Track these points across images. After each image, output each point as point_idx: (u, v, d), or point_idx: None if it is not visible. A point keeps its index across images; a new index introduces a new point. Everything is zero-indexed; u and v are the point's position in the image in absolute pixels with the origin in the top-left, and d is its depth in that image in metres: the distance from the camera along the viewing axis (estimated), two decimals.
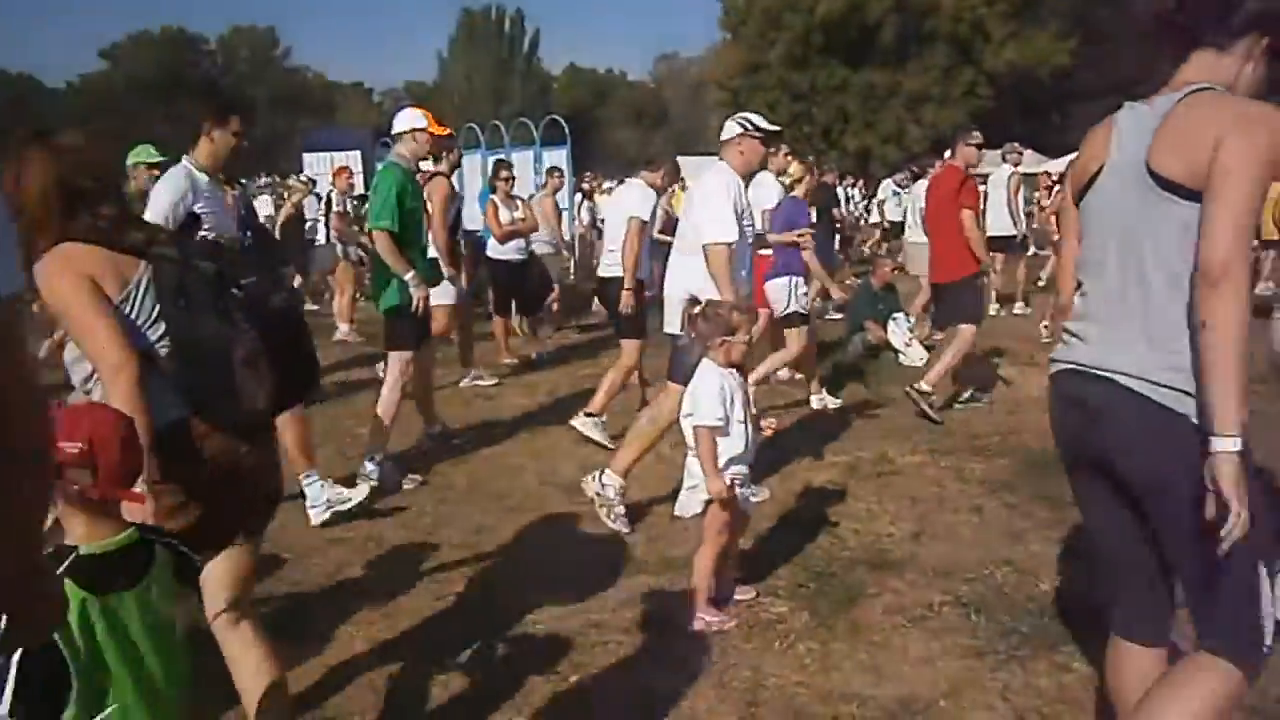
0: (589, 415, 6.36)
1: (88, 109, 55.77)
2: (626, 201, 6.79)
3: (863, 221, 17.81)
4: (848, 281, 14.07)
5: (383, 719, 3.12)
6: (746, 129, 4.99)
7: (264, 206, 13.71)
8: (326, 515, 4.88)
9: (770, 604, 3.91)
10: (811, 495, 5.27)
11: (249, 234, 8.78)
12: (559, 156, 12.99)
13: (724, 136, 5.08)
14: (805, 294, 6.91)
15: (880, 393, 7.75)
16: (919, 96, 39.31)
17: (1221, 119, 2.03)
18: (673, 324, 4.89)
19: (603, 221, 10.35)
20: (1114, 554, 2.44)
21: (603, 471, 4.82)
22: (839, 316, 11.07)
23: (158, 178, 5.74)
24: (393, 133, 5.86)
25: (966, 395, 7.19)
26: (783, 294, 6.82)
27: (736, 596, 3.91)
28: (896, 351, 9.20)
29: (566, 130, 13.28)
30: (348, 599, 4.04)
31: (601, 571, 4.26)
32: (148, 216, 4.47)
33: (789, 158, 7.38)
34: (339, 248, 10.86)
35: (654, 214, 6.82)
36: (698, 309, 3.92)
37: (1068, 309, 2.46)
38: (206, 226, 4.55)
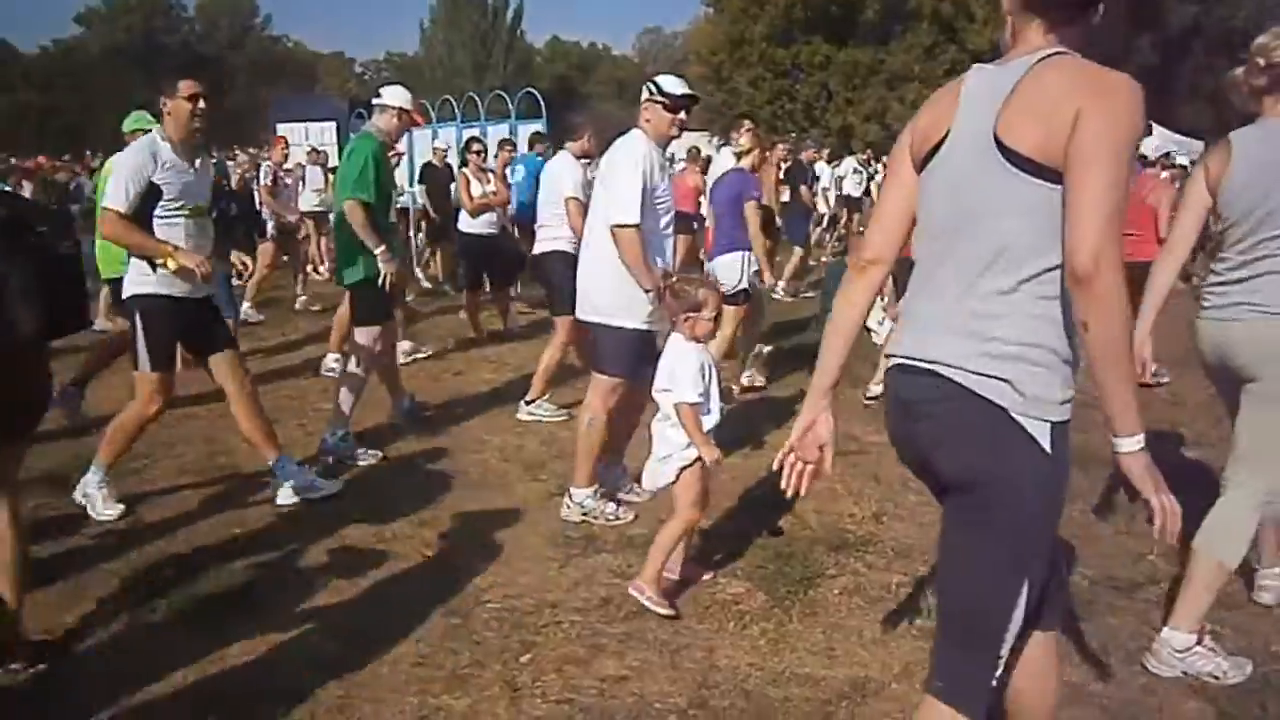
0: (530, 402, 6.32)
1: (61, 74, 55.01)
2: (557, 179, 6.57)
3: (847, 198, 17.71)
4: (824, 260, 14.07)
5: (329, 697, 3.06)
6: (652, 93, 4.58)
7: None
8: (295, 500, 4.80)
9: (727, 585, 3.89)
10: (774, 475, 5.18)
11: (231, 205, 8.69)
12: (535, 130, 12.86)
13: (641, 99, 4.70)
14: (755, 270, 6.73)
15: (849, 372, 7.69)
16: (902, 75, 39.17)
17: (1078, 90, 1.83)
18: (586, 309, 4.65)
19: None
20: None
21: (570, 495, 4.61)
22: (811, 294, 11.06)
23: None
24: (375, 102, 5.77)
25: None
26: (733, 270, 6.59)
27: (683, 577, 3.87)
28: (868, 330, 9.17)
29: (542, 104, 13.13)
30: (298, 576, 3.98)
31: (558, 550, 4.22)
32: (108, 192, 4.43)
33: (747, 133, 7.07)
34: (270, 223, 10.57)
35: (585, 186, 6.42)
36: (666, 284, 3.89)
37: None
38: (168, 198, 4.47)
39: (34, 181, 12.83)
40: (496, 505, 4.79)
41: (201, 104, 4.55)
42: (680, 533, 3.72)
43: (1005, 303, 1.91)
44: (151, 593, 3.77)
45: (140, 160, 4.44)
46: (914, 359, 2.05)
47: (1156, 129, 12.85)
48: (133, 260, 4.55)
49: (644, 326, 4.49)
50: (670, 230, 4.71)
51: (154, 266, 4.46)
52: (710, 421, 3.72)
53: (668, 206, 4.63)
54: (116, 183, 4.42)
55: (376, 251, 5.40)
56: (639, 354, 4.46)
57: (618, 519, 4.54)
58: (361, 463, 5.39)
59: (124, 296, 4.66)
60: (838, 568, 4.04)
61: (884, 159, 16.92)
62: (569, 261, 6.00)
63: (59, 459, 5.33)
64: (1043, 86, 1.88)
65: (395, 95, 5.73)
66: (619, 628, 3.53)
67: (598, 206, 4.64)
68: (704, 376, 3.69)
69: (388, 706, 3.01)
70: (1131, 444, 1.86)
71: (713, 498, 4.80)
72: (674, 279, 3.95)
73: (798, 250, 11.75)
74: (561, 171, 6.55)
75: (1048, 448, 1.89)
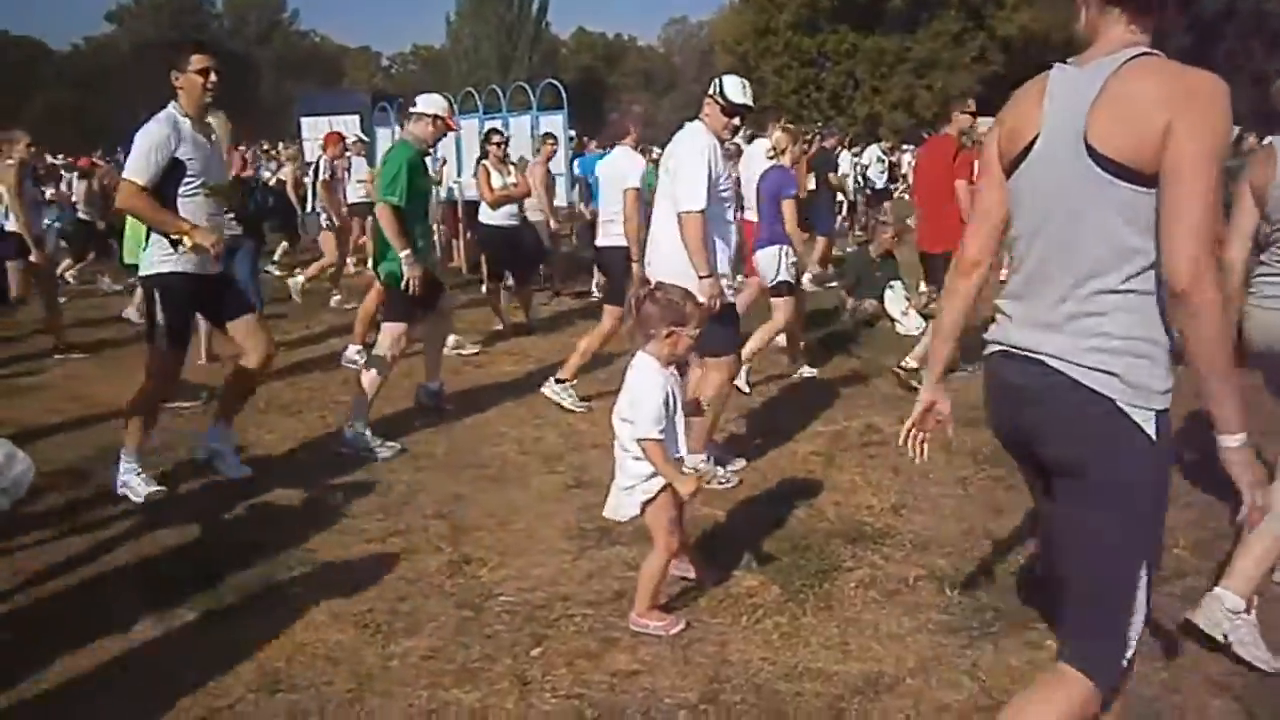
0: (560, 381, 6.32)
1: (93, 73, 55.55)
2: (618, 170, 6.66)
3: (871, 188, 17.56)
4: (849, 249, 13.95)
5: (339, 691, 3.06)
6: (713, 93, 4.77)
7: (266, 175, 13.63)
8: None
9: (741, 577, 3.84)
10: (794, 466, 5.20)
11: (269, 198, 8.79)
12: (557, 122, 12.82)
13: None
14: (793, 263, 6.78)
15: (872, 362, 7.65)
16: (929, 62, 38.89)
17: (1167, 100, 1.86)
18: None
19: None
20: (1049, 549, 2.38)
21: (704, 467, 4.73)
22: (835, 284, 10.97)
23: None
24: (412, 111, 5.90)
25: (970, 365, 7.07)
26: (771, 263, 6.68)
27: (690, 575, 3.79)
28: (893, 320, 9.09)
29: (564, 95, 13.07)
30: (312, 568, 3.98)
31: (573, 543, 4.20)
32: (129, 164, 4.44)
33: (782, 132, 7.15)
34: (323, 216, 10.69)
35: (644, 178, 6.67)
36: (645, 290, 3.44)
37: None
38: (190, 173, 4.51)
39: (88, 181, 12.94)
40: (512, 498, 4.77)
41: (213, 77, 4.58)
42: (663, 565, 3.42)
43: (1110, 300, 1.99)
44: (167, 586, 3.78)
45: (163, 133, 4.46)
46: (1021, 348, 2.13)
47: None
48: (153, 238, 4.58)
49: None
50: (732, 218, 4.94)
51: (175, 245, 4.49)
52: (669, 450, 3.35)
53: (729, 195, 4.83)
54: (138, 154, 4.43)
55: (401, 255, 5.51)
56: (727, 324, 4.76)
57: (727, 482, 4.85)
58: (381, 456, 5.38)
59: (142, 274, 4.71)
60: (855, 560, 3.99)
61: (906, 146, 16.91)
62: (629, 255, 6.27)
63: (79, 451, 5.38)
64: (1131, 94, 1.91)
65: (431, 103, 5.83)
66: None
67: (663, 198, 4.79)
68: (668, 408, 3.33)
69: (397, 700, 3.00)
70: (1234, 441, 1.94)
71: (731, 489, 4.80)
72: (656, 286, 3.48)
73: (822, 240, 11.66)
74: (625, 165, 6.61)
75: (1154, 435, 1.98)
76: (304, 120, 16.72)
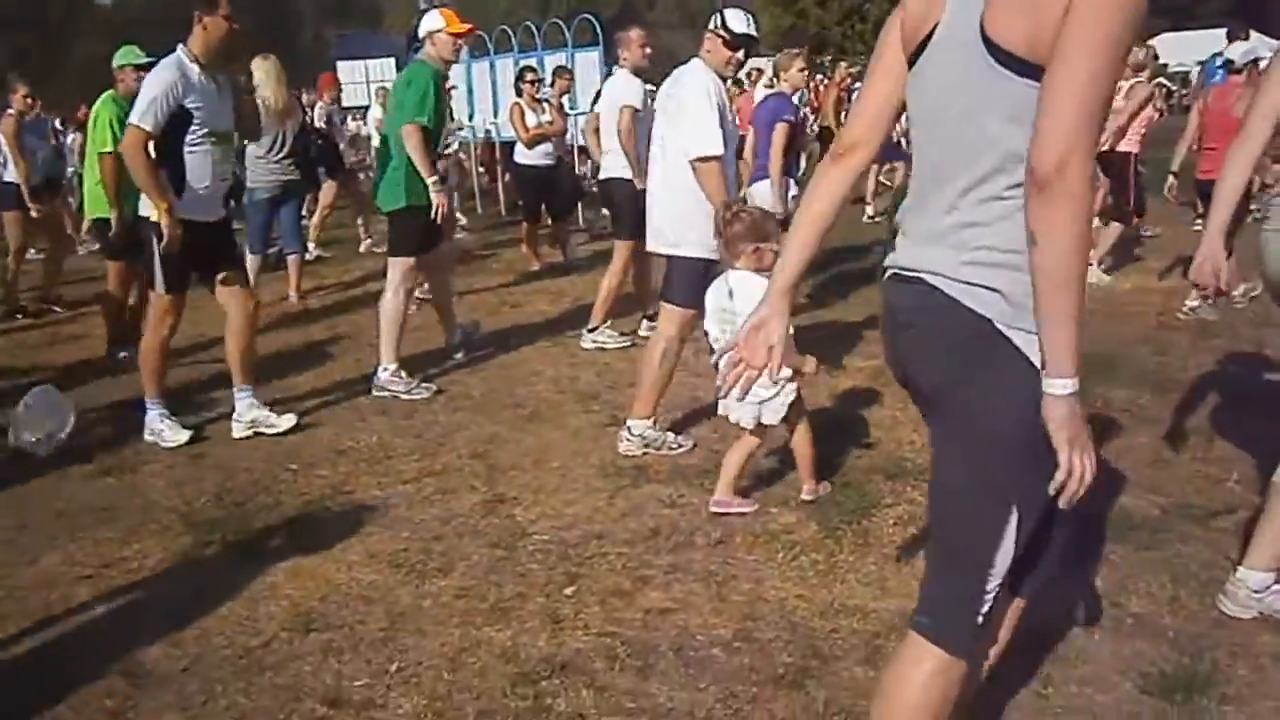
0: (592, 330, 6.25)
1: (133, 24, 55.65)
2: (614, 95, 6.48)
3: None
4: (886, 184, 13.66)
5: (372, 630, 3.06)
6: (715, 26, 4.47)
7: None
8: (247, 433, 4.86)
9: (779, 514, 3.79)
10: (833, 402, 5.11)
11: (319, 140, 8.75)
12: (593, 59, 12.61)
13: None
14: (795, 197, 6.47)
15: None
16: None
17: None
18: (658, 242, 4.59)
19: None
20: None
21: (628, 428, 4.46)
22: (879, 219, 10.76)
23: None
24: (421, 34, 5.75)
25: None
26: (767, 198, 6.38)
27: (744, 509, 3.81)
28: None
29: (599, 31, 12.82)
30: (346, 509, 3.99)
31: (608, 481, 4.16)
32: (135, 109, 4.37)
33: (799, 71, 6.84)
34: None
35: (645, 100, 6.42)
36: (729, 213, 3.75)
37: None
38: (197, 121, 4.44)
39: None
40: (548, 437, 4.74)
41: (235, 25, 4.53)
42: (812, 441, 3.87)
43: (996, 208, 1.71)
44: (201, 527, 3.81)
45: (171, 78, 4.36)
46: (905, 268, 1.88)
47: (1253, 34, 12.10)
48: None
49: (715, 256, 4.36)
50: (733, 158, 4.68)
51: (179, 192, 4.46)
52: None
53: (733, 134, 4.56)
54: (146, 100, 4.34)
55: (429, 180, 5.34)
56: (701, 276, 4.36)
57: (679, 447, 4.46)
58: (414, 396, 5.38)
59: (140, 216, 4.64)
60: (894, 497, 3.91)
61: None
62: (633, 187, 5.99)
63: (118, 396, 5.45)
64: None
65: (425, 23, 5.66)
66: (666, 559, 3.46)
67: (661, 138, 4.56)
68: None
69: (430, 639, 3.00)
70: (1059, 386, 1.59)
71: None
72: (735, 207, 3.81)
73: (874, 168, 11.37)
74: (621, 88, 6.46)
75: (1036, 362, 1.65)
76: (340, 64, 16.65)
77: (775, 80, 6.78)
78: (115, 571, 3.51)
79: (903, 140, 16.63)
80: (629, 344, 6.23)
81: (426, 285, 6.39)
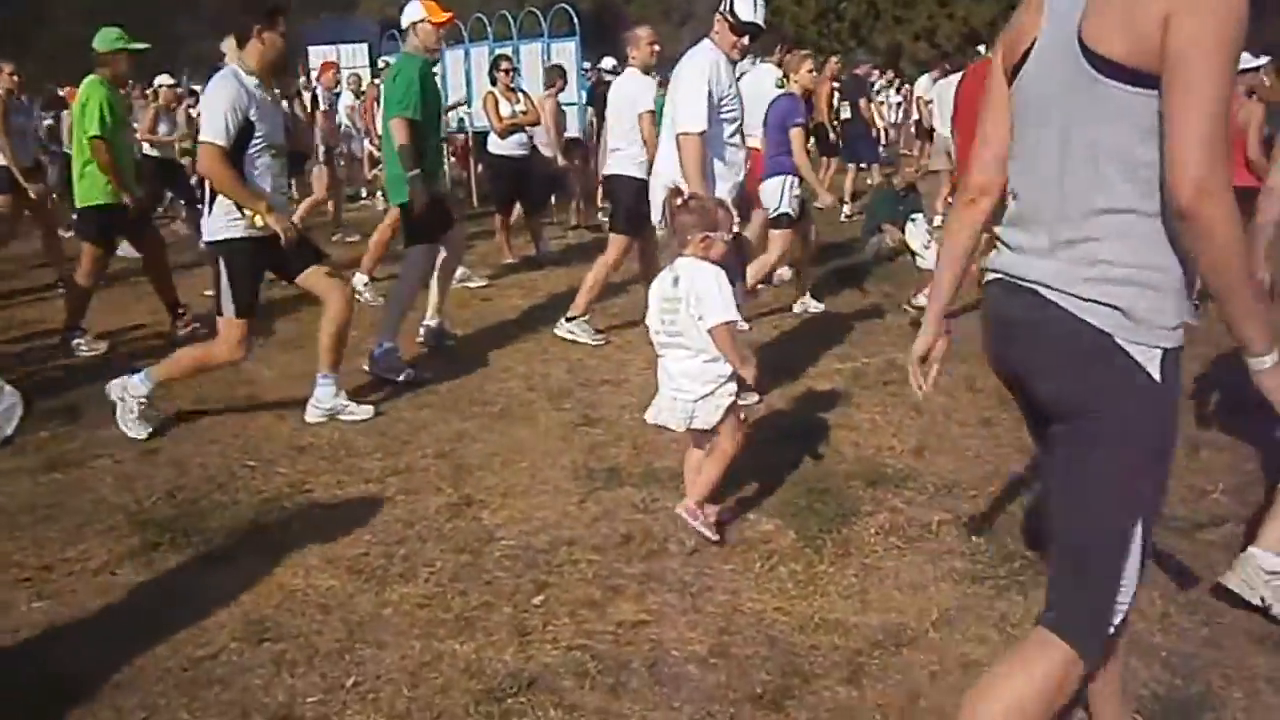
0: (571, 319, 6.11)
1: (103, 6, 54.63)
2: (626, 95, 6.36)
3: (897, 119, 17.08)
4: (876, 181, 13.60)
5: (329, 641, 2.89)
6: (723, 10, 4.48)
7: None
8: (322, 419, 4.77)
9: (756, 521, 3.66)
10: (811, 405, 4.98)
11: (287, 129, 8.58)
12: (569, 49, 12.42)
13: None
14: (798, 196, 6.49)
15: (893, 297, 7.39)
16: None
17: None
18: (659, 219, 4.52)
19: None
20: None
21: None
22: (859, 217, 10.67)
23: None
24: (402, 27, 5.79)
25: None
26: (775, 194, 6.43)
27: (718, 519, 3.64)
28: (914, 254, 8.79)
29: (575, 20, 12.64)
30: (307, 510, 3.82)
31: (579, 484, 4.01)
32: (205, 126, 4.26)
33: (808, 72, 6.77)
34: (321, 150, 10.35)
35: (657, 100, 6.37)
36: (680, 199, 3.49)
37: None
38: (259, 134, 4.34)
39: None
40: (518, 436, 4.59)
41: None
42: (730, 461, 3.52)
43: (1111, 222, 1.74)
44: (152, 527, 3.62)
45: (235, 91, 4.30)
46: (1015, 277, 1.89)
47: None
48: (219, 202, 4.38)
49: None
50: (738, 140, 4.66)
51: (241, 209, 4.33)
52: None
53: (734, 116, 4.55)
54: (213, 116, 4.27)
55: (408, 175, 5.35)
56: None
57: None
58: (400, 378, 5.30)
59: (209, 240, 4.52)
60: (874, 504, 3.79)
61: (907, 81, 16.45)
62: (637, 184, 5.90)
63: (73, 388, 5.23)
64: None
65: (408, 13, 5.66)
66: (638, 567, 3.32)
67: (668, 122, 4.59)
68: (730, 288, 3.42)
69: (389, 651, 2.83)
70: (1265, 362, 1.71)
71: (748, 426, 4.60)
72: (687, 195, 3.58)
73: (853, 169, 11.27)
74: (633, 88, 6.35)
75: (1158, 376, 1.75)
76: (311, 49, 16.35)
77: (785, 81, 6.68)
78: (55, 574, 3.32)
79: (884, 135, 16.71)
80: (603, 342, 6.08)
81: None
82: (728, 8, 4.44)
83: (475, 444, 4.48)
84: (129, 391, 4.54)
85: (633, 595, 3.14)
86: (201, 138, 4.31)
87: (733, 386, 3.42)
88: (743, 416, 3.63)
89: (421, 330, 6.19)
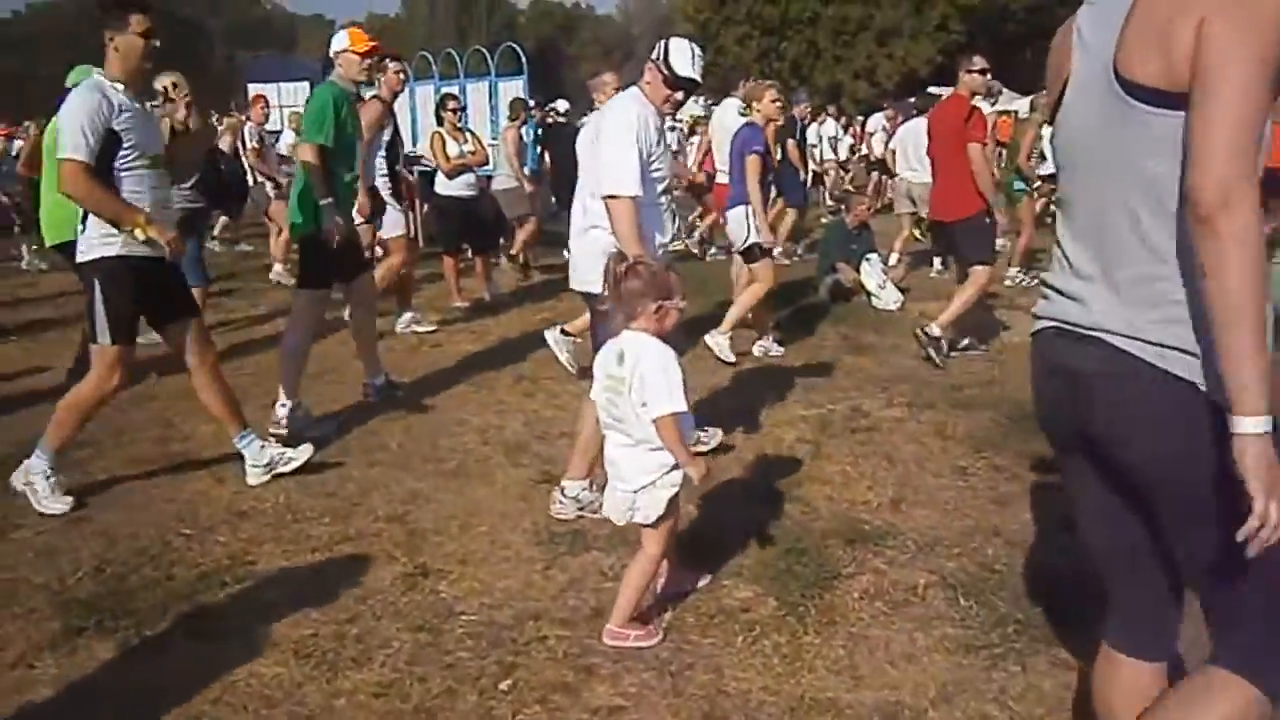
0: (565, 334, 6.00)
1: (36, 39, 53.48)
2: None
3: (837, 158, 17.12)
4: (824, 219, 13.60)
5: None
6: (657, 59, 4.02)
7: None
8: (266, 478, 4.43)
9: (733, 587, 3.44)
10: (779, 455, 4.80)
11: (220, 167, 8.25)
12: (516, 87, 12.27)
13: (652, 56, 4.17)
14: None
15: (853, 339, 7.28)
16: (892, 30, 38.48)
17: None
18: (587, 279, 4.00)
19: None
20: (1108, 554, 1.97)
21: (562, 489, 4.07)
22: (811, 256, 10.60)
23: None
24: (330, 57, 5.53)
25: (965, 343, 6.70)
26: (740, 225, 6.33)
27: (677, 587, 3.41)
28: (869, 294, 8.72)
29: (523, 59, 12.51)
30: (249, 585, 3.52)
31: (543, 549, 3.77)
32: (62, 143, 3.93)
33: (772, 103, 6.70)
34: (269, 185, 10.13)
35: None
36: (624, 265, 3.03)
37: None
38: (128, 144, 4.01)
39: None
40: (475, 495, 4.33)
41: (155, 41, 4.09)
42: (655, 571, 3.16)
43: (1174, 261, 1.60)
44: (76, 610, 3.30)
45: (93, 103, 3.94)
46: (1072, 324, 1.75)
47: None
48: (91, 220, 4.06)
49: None
50: (665, 202, 4.13)
51: (118, 227, 4.00)
52: (685, 424, 3.04)
53: (663, 175, 4.05)
54: (71, 131, 3.91)
55: (322, 203, 5.08)
56: None
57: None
58: (312, 434, 4.97)
59: (81, 260, 4.16)
60: (856, 565, 3.60)
61: (857, 119, 16.56)
62: None
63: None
64: (1155, 6, 1.57)
65: (334, 42, 5.47)
66: (612, 643, 3.08)
67: (586, 173, 4.12)
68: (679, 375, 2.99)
69: None
70: (1249, 425, 1.49)
71: (714, 482, 4.41)
72: (635, 260, 3.09)
73: (791, 212, 11.25)
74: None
75: None
76: (252, 87, 16.02)
77: (749, 110, 6.61)
78: None
79: (823, 178, 16.78)
80: (571, 369, 5.98)
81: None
82: (662, 58, 4.02)
83: (430, 505, 4.22)
84: (30, 474, 4.18)
85: (608, 676, 2.90)
86: (59, 155, 3.97)
87: (677, 476, 3.03)
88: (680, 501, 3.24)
89: (367, 389, 5.86)
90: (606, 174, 3.85)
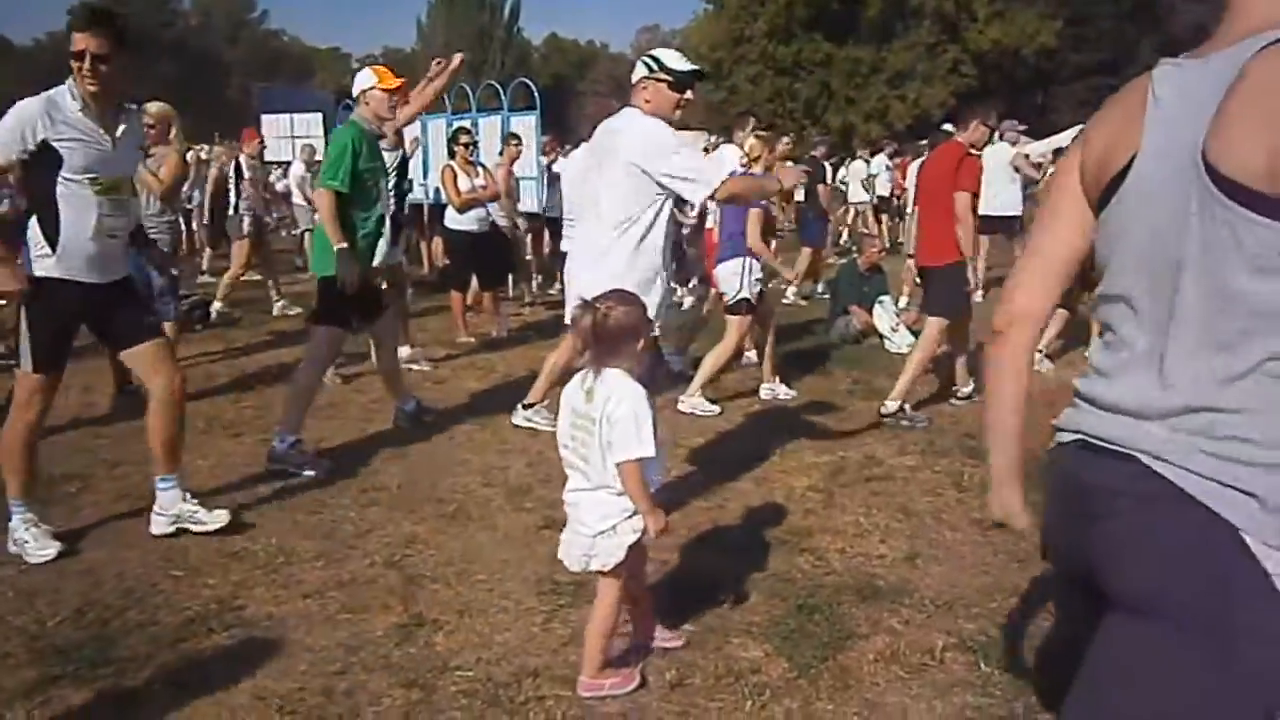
0: (528, 406, 5.75)
1: (56, 68, 54.06)
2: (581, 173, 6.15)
3: (872, 198, 16.91)
4: (829, 261, 13.49)
5: None
6: (653, 70, 4.06)
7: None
8: (170, 529, 4.18)
9: (742, 645, 3.28)
10: (789, 505, 4.64)
11: (193, 194, 8.13)
12: (528, 123, 12.23)
13: (633, 78, 4.19)
14: (758, 279, 6.34)
15: (865, 383, 7.13)
16: (903, 73, 38.70)
17: None
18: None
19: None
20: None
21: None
22: (826, 297, 10.48)
23: None
24: (354, 96, 5.52)
25: (969, 389, 6.54)
26: (733, 278, 6.25)
27: (664, 644, 3.26)
28: (883, 337, 8.59)
29: (536, 94, 12.48)
30: (237, 633, 3.37)
31: (543, 599, 3.62)
32: None
33: (756, 140, 6.70)
34: (245, 220, 9.94)
35: None
36: (601, 305, 2.85)
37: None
38: (72, 164, 3.80)
39: None
40: (475, 541, 4.19)
41: (89, 63, 3.79)
42: (616, 617, 3.02)
43: (1247, 391, 1.35)
44: (57, 654, 3.15)
45: (32, 110, 3.76)
46: (1105, 440, 1.48)
47: None
48: (30, 235, 3.89)
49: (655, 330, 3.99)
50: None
51: (53, 243, 3.85)
52: (652, 469, 2.88)
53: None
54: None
55: (335, 248, 5.00)
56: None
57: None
58: (309, 473, 4.89)
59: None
60: (870, 625, 3.44)
61: (897, 155, 16.31)
62: None
63: None
64: (1273, 83, 1.29)
65: (359, 80, 5.43)
66: (613, 706, 2.93)
67: (595, 195, 4.18)
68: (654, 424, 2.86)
69: None
70: None
71: (719, 532, 4.27)
72: (611, 297, 2.91)
73: (806, 251, 11.17)
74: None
75: None
76: (265, 117, 16.02)
77: (750, 163, 6.53)
78: None
79: (853, 217, 16.69)
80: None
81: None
82: (656, 66, 4.04)
83: (428, 551, 4.07)
84: (14, 534, 3.99)
85: None
86: None
87: (638, 522, 2.88)
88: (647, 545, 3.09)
89: (397, 416, 5.89)
90: (699, 176, 3.97)
